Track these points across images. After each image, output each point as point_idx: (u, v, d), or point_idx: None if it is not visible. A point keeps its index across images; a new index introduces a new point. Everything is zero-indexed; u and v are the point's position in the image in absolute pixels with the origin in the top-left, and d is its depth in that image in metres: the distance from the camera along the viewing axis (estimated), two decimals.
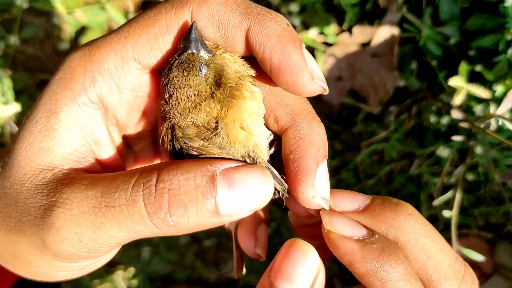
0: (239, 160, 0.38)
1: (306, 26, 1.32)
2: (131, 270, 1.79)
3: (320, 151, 0.39)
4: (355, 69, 1.31)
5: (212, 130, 0.38)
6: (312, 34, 1.31)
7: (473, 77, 1.18)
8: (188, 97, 0.38)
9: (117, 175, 0.37)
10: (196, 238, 1.70)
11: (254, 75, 0.41)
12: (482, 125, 0.95)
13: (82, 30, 1.41)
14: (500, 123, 1.00)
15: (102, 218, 0.35)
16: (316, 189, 0.38)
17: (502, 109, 0.89)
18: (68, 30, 1.42)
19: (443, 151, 1.25)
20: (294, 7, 1.29)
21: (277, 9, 1.32)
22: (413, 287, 0.36)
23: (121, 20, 1.37)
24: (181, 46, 0.38)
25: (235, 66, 0.39)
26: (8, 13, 1.37)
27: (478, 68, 1.15)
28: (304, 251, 0.37)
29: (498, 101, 1.12)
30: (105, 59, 0.39)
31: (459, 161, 1.27)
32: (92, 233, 0.35)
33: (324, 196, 0.39)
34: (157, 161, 0.52)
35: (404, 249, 0.39)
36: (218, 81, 0.39)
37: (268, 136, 0.42)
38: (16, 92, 1.45)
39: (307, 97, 0.42)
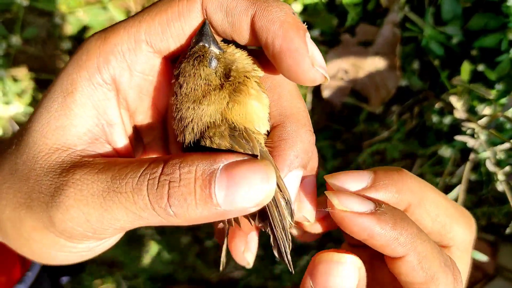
0: (247, 154, 0.38)
1: (308, 25, 1.32)
2: (133, 270, 1.79)
3: (297, 159, 0.40)
4: (357, 68, 1.30)
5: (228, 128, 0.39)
6: (314, 33, 1.31)
7: (475, 77, 1.17)
8: (198, 86, 0.39)
9: (128, 163, 0.38)
10: (197, 238, 1.70)
11: (261, 75, 0.41)
12: (484, 125, 0.94)
13: (84, 30, 1.41)
14: (502, 121, 0.99)
15: (110, 202, 0.37)
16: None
17: (505, 109, 0.88)
18: (70, 30, 1.43)
19: (445, 151, 1.25)
20: (296, 7, 1.29)
21: None
22: (426, 241, 0.39)
23: None
24: (194, 40, 0.39)
25: (244, 64, 0.41)
26: (10, 12, 1.37)
27: (481, 67, 1.15)
28: (337, 262, 0.38)
29: (501, 100, 1.12)
30: (119, 41, 0.41)
31: (461, 161, 1.26)
32: (100, 215, 0.37)
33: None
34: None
35: (418, 207, 0.42)
36: (228, 74, 0.40)
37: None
38: (18, 92, 1.45)
39: (309, 87, 0.42)
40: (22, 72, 1.46)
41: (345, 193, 0.40)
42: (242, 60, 0.41)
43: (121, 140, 0.44)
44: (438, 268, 0.39)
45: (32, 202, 0.40)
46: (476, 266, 1.33)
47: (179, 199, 0.35)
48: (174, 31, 0.40)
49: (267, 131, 0.41)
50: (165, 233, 1.71)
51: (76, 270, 1.72)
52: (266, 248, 1.50)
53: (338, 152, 1.42)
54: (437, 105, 1.25)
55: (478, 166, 1.23)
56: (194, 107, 0.40)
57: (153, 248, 1.74)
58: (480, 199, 1.34)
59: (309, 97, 1.36)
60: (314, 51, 0.38)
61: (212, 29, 0.40)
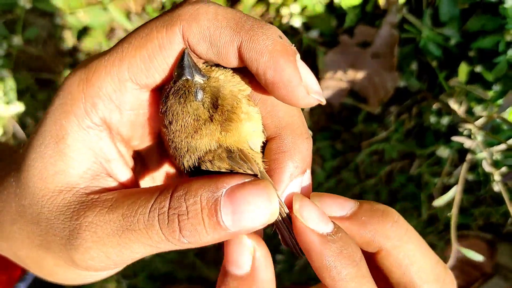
0: (248, 174, 0.39)
1: (307, 27, 1.32)
2: (132, 269, 1.79)
3: (297, 169, 0.40)
4: (356, 69, 1.31)
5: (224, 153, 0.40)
6: (313, 35, 1.31)
7: (473, 78, 1.18)
8: (187, 123, 0.39)
9: (135, 197, 0.38)
10: None
11: (249, 92, 0.41)
12: (481, 126, 0.95)
13: (84, 31, 1.42)
14: (499, 122, 1.00)
15: (126, 239, 0.38)
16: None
17: (502, 110, 0.89)
18: (71, 30, 1.43)
19: (443, 151, 1.26)
20: (295, 8, 1.29)
21: (277, 10, 1.33)
22: (361, 286, 0.38)
23: (123, 21, 1.38)
24: (175, 73, 0.38)
25: (230, 87, 0.40)
26: (11, 13, 1.38)
27: (478, 69, 1.16)
28: (237, 239, 0.40)
29: (498, 101, 1.13)
30: (103, 84, 0.39)
31: (459, 161, 1.27)
32: (119, 251, 0.38)
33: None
34: (165, 164, 0.54)
35: (389, 254, 0.41)
36: (215, 104, 0.39)
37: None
38: (18, 92, 1.46)
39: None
40: (23, 72, 1.46)
41: (311, 205, 0.39)
42: (227, 84, 0.40)
43: (122, 172, 0.43)
44: None
45: (49, 244, 0.40)
46: (474, 265, 1.34)
47: (190, 230, 0.37)
48: (158, 66, 0.39)
49: (263, 142, 0.41)
50: None
51: None
52: None
53: (337, 152, 1.43)
54: (435, 106, 1.26)
55: (476, 166, 1.24)
56: (187, 141, 0.39)
57: None
58: (478, 199, 1.34)
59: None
60: (307, 77, 0.37)
61: (192, 57, 0.38)
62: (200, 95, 0.39)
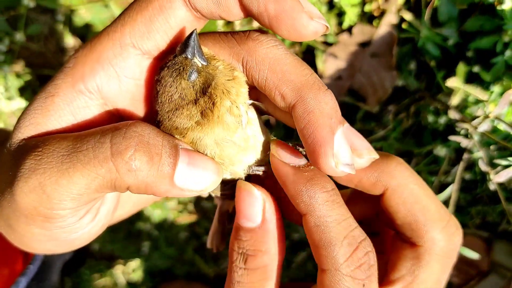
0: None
1: None
2: (131, 264, 1.80)
3: (333, 119, 0.38)
4: (355, 68, 1.32)
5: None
6: None
7: (470, 78, 1.19)
8: (172, 98, 0.39)
9: (91, 131, 0.38)
10: (195, 233, 1.72)
11: (244, 90, 0.41)
12: (478, 125, 0.96)
13: (86, 27, 1.43)
14: (495, 123, 1.01)
15: (68, 163, 0.35)
16: (337, 157, 0.38)
17: (498, 110, 0.90)
18: (72, 27, 1.44)
19: (441, 150, 1.27)
20: None
21: None
22: (335, 209, 0.39)
23: None
24: (179, 48, 0.39)
25: (224, 80, 0.40)
26: (14, 10, 1.38)
27: (476, 69, 1.17)
28: (247, 191, 0.42)
29: (495, 102, 1.14)
30: (104, 49, 0.39)
31: (456, 160, 1.28)
32: (55, 182, 0.36)
33: (346, 161, 0.39)
34: None
35: (394, 192, 0.43)
36: (205, 90, 0.40)
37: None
38: (20, 88, 1.47)
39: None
40: (24, 68, 1.47)
41: (285, 145, 0.42)
42: (222, 76, 0.40)
43: None
44: (336, 238, 0.38)
45: (2, 189, 0.39)
46: (470, 263, 1.35)
47: (147, 155, 0.36)
48: (159, 26, 0.38)
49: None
50: (163, 228, 1.73)
51: (76, 264, 1.73)
52: None
53: None
54: (433, 105, 1.27)
55: (472, 165, 1.25)
56: (168, 115, 0.40)
57: (151, 243, 1.75)
58: (475, 197, 1.35)
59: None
60: (308, 5, 0.38)
61: (198, 40, 0.38)
62: (193, 76, 0.39)
